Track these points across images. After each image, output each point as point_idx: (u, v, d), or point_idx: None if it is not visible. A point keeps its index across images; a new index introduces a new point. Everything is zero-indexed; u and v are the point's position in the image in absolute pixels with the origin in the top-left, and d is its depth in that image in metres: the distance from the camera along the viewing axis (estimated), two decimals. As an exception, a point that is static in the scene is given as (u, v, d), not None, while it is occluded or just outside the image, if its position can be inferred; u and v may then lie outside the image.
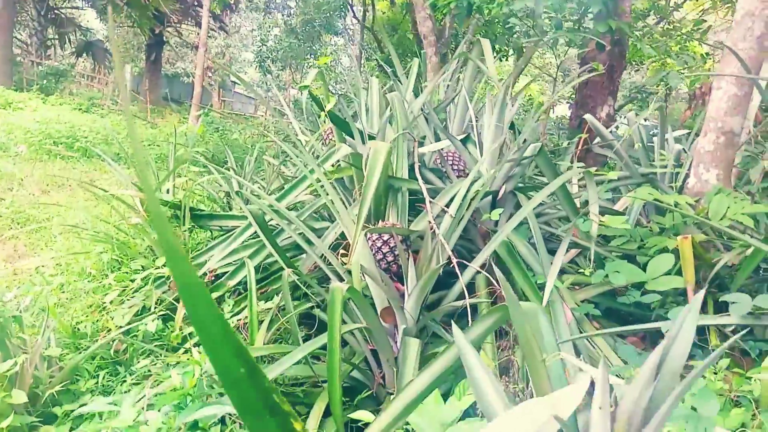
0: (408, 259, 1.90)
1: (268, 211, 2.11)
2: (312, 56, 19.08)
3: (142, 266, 2.51)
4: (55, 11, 19.23)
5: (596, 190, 2.30)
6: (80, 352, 2.00)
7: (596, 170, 2.48)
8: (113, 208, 2.72)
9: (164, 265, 2.40)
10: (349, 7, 17.90)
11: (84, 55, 20.41)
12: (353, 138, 2.71)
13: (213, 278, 2.50)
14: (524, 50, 5.29)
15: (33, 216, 3.76)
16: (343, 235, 2.34)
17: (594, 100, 6.16)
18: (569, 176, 2.21)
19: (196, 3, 21.77)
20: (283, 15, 21.34)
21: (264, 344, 1.77)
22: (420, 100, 2.93)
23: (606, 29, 4.26)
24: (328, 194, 2.33)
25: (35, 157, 6.66)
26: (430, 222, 2.06)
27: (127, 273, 2.49)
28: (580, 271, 2.54)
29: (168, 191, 2.81)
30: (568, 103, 7.32)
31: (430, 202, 2.20)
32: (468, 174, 3.20)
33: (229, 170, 4.43)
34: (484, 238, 2.68)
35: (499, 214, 2.43)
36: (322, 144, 2.99)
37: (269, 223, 2.35)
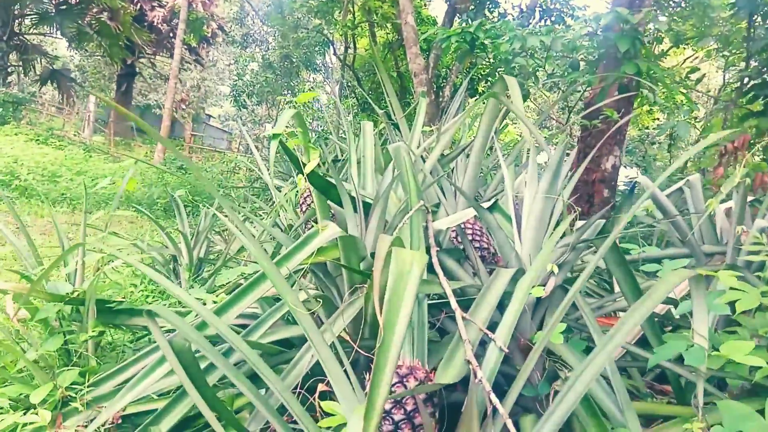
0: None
1: (194, 340, 1.27)
2: (289, 92, 18.43)
3: (12, 400, 1.62)
4: (20, 37, 18.23)
5: (705, 302, 1.57)
6: None
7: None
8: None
9: (42, 405, 1.52)
10: (329, 44, 17.46)
11: (49, 83, 19.34)
12: (341, 206, 1.92)
13: (119, 421, 1.63)
14: (530, 92, 4.66)
15: None
16: (318, 366, 1.50)
17: (599, 149, 5.63)
18: (669, 288, 1.44)
19: (171, 34, 21.12)
20: (261, 49, 20.86)
21: None
22: (433, 157, 2.17)
23: (635, 70, 3.65)
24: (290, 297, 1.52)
25: (-42, 197, 5.65)
26: (469, 361, 1.26)
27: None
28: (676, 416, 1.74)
29: (68, 277, 1.94)
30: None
31: (463, 318, 1.41)
32: (493, 254, 2.43)
33: (174, 232, 3.56)
34: (525, 352, 1.90)
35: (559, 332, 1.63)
36: (299, 209, 2.19)
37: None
